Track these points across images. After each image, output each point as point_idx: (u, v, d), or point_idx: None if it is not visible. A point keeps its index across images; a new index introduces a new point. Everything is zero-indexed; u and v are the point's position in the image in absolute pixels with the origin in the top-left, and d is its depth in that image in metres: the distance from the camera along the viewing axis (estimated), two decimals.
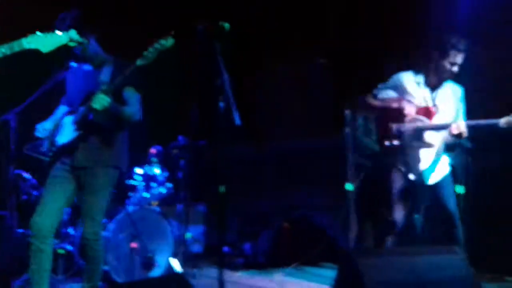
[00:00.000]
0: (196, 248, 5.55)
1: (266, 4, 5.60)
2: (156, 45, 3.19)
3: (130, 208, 4.32)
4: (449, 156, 3.78)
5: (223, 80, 3.13)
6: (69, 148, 3.31)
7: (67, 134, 3.33)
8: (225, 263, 5.08)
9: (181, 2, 5.64)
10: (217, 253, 4.87)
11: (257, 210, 5.99)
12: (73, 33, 3.15)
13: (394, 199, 3.87)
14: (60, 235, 4.25)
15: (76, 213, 4.20)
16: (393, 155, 3.74)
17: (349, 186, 3.77)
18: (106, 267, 3.87)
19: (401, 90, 3.68)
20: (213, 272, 4.51)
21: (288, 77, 5.97)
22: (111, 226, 4.18)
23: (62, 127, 3.37)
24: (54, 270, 3.80)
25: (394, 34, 4.80)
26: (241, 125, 3.00)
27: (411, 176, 3.74)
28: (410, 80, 3.71)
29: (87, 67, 3.44)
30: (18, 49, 2.96)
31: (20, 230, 4.36)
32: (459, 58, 3.58)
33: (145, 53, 3.21)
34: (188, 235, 5.41)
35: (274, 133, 6.27)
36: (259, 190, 6.10)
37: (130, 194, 4.52)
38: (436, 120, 3.63)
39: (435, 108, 3.64)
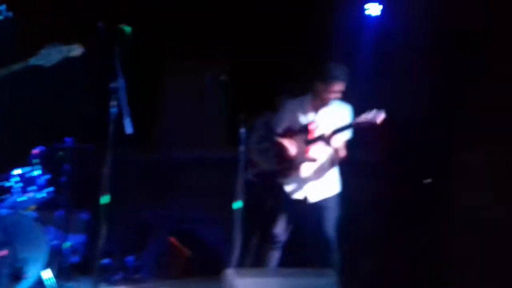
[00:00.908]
0: (75, 258, 5.24)
1: (170, 12, 5.55)
2: (61, 50, 3.00)
3: (3, 212, 3.96)
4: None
5: (119, 85, 3.03)
6: None
7: None
8: (103, 277, 4.85)
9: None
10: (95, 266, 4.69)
11: (143, 221, 5.81)
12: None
13: (278, 217, 3.99)
14: None
15: None
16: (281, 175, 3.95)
17: (236, 204, 3.80)
18: None
19: (291, 118, 3.99)
20: (89, 286, 4.26)
21: (188, 87, 5.93)
22: None
23: None
24: None
25: (290, 58, 5.01)
26: (132, 133, 2.91)
27: (296, 195, 3.92)
28: (296, 107, 4.00)
29: None
30: None
31: None
32: (339, 87, 3.81)
33: (43, 52, 2.99)
34: (67, 244, 5.11)
35: (167, 142, 6.16)
36: (147, 200, 5.92)
37: (3, 197, 4.15)
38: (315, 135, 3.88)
39: (315, 124, 3.90)
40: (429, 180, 4.30)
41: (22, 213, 4.12)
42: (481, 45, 4.21)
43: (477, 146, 4.27)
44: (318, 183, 3.93)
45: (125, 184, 5.83)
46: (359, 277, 4.33)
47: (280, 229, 3.99)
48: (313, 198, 3.92)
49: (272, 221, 4.10)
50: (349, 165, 4.43)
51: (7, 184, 4.19)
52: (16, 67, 2.99)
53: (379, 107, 3.66)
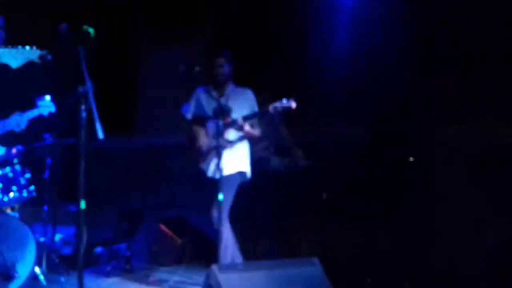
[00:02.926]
0: (67, 250, 5.29)
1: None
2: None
3: None
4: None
5: (87, 89, 2.98)
6: None
7: None
8: (96, 267, 4.91)
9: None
10: (86, 258, 4.73)
11: (133, 208, 5.83)
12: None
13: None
14: None
15: None
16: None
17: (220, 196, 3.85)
18: None
19: (199, 105, 4.35)
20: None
21: (164, 76, 5.86)
22: None
23: None
24: None
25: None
26: (103, 138, 2.88)
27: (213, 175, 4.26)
28: (201, 93, 4.36)
29: None
30: None
31: None
32: (221, 61, 4.23)
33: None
34: (57, 237, 5.15)
35: (151, 128, 6.14)
36: (136, 187, 5.94)
37: None
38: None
39: (228, 108, 4.18)
40: (412, 159, 4.31)
41: (6, 214, 4.13)
42: (458, 21, 4.14)
43: (454, 121, 4.28)
44: (230, 159, 4.23)
45: (113, 172, 5.84)
46: (343, 257, 4.39)
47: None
48: (226, 172, 4.14)
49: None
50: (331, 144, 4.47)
51: None
52: None
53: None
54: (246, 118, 4.16)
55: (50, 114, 3.98)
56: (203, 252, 4.96)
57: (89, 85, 2.96)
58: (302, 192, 4.88)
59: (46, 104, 3.92)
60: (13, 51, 3.16)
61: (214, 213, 4.15)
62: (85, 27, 3.00)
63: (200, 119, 4.33)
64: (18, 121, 3.43)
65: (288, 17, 5.06)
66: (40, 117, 3.83)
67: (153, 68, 6.10)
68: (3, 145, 3.43)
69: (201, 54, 5.43)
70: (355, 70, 4.67)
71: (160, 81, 6.02)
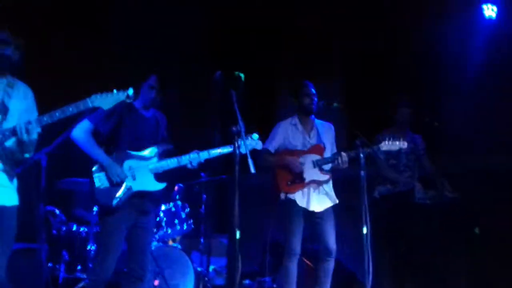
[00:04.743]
0: (219, 280, 5.63)
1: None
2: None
3: (154, 245, 4.45)
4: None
5: (240, 128, 3.26)
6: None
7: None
8: None
9: None
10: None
11: (277, 242, 6.02)
12: (130, 91, 3.26)
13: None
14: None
15: None
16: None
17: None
18: None
19: (285, 138, 4.27)
20: None
21: None
22: None
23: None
24: None
25: None
26: (254, 173, 3.12)
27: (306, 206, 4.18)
28: (288, 125, 4.28)
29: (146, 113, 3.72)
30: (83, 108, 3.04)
31: (50, 264, 4.55)
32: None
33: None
34: (211, 268, 5.52)
35: None
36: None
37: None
38: (326, 155, 4.20)
39: (323, 144, 4.21)
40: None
41: (169, 245, 4.60)
42: None
43: None
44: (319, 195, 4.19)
45: (257, 208, 6.12)
46: None
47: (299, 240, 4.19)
48: (317, 209, 4.15)
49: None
50: None
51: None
52: (71, 109, 3.03)
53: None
54: (358, 155, 3.96)
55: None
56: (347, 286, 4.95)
57: (241, 124, 3.25)
58: (452, 226, 4.69)
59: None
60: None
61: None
62: (236, 72, 3.33)
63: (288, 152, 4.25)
64: (193, 158, 3.56)
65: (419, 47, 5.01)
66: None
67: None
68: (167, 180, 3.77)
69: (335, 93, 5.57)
70: (490, 94, 4.46)
71: None
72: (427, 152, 4.91)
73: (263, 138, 4.32)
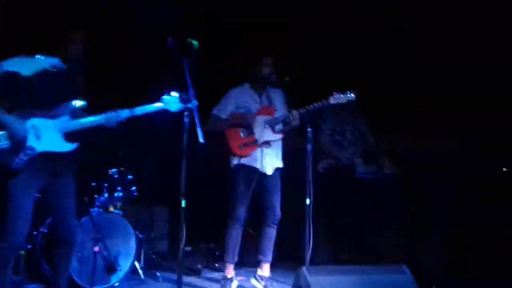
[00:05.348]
0: (161, 247, 5.61)
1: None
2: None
3: (95, 211, 4.35)
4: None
5: (190, 96, 3.20)
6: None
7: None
8: (187, 265, 5.14)
9: None
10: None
11: (221, 211, 6.05)
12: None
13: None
14: None
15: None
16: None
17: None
18: None
19: (238, 102, 4.34)
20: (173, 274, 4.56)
21: None
22: None
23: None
24: (15, 271, 3.81)
25: None
26: (204, 142, 3.09)
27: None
28: (238, 92, 4.36)
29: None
30: None
31: None
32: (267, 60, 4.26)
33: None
34: (153, 235, 5.49)
35: None
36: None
37: (95, 196, 4.54)
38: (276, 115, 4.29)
39: (274, 106, 4.31)
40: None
41: (111, 212, 4.50)
42: None
43: None
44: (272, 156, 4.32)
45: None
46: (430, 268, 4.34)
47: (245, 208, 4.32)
48: (269, 171, 4.29)
49: None
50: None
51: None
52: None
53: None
54: (309, 112, 4.09)
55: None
56: (288, 255, 5.06)
57: (191, 92, 3.20)
58: (388, 201, 4.87)
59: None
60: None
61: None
62: (189, 39, 3.25)
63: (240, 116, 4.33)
64: (109, 117, 3.34)
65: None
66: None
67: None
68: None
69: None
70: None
71: None
72: (372, 129, 5.05)
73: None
